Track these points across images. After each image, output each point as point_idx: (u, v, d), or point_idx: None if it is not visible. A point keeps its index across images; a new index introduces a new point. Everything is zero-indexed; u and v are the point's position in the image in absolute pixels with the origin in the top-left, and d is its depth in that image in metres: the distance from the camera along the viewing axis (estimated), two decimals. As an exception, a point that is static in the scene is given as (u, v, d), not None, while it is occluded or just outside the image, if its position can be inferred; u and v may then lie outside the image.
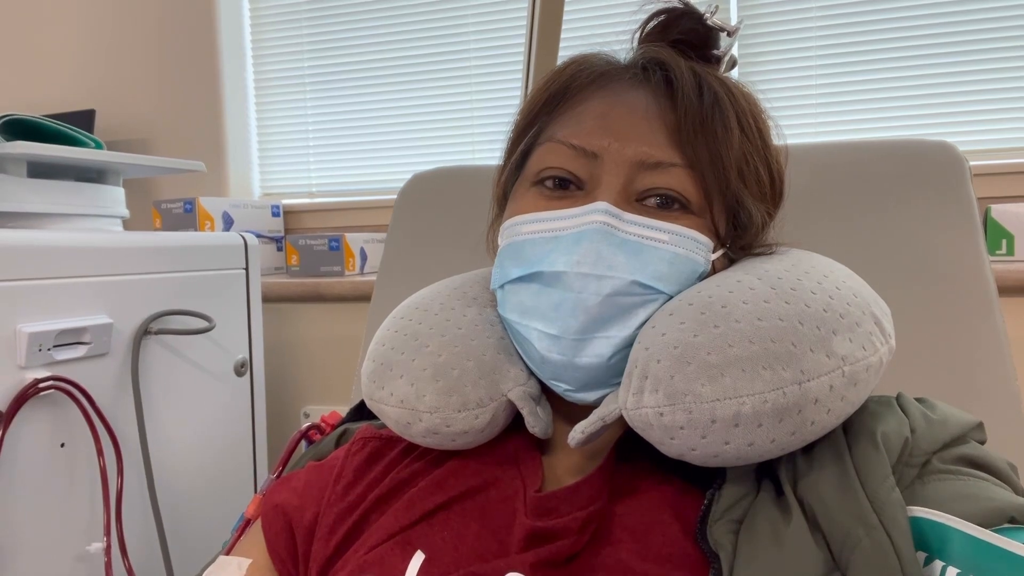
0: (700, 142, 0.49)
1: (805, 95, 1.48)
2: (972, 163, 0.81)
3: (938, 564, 0.38)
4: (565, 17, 1.01)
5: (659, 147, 0.50)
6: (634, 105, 0.51)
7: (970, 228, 0.78)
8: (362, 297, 1.43)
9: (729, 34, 0.55)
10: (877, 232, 0.80)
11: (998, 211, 1.21)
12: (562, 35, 1.01)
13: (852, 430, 0.46)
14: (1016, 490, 0.43)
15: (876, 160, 0.82)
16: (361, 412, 0.71)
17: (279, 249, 1.69)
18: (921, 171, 0.80)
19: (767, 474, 0.46)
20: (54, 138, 1.03)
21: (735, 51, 0.56)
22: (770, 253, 0.53)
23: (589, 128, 0.51)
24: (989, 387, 0.74)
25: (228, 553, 0.58)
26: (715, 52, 0.55)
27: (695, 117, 0.49)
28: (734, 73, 0.57)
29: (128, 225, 1.17)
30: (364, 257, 1.57)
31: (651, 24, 0.56)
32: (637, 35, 0.57)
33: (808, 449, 0.46)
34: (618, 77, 0.53)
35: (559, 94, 0.54)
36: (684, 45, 0.54)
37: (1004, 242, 1.21)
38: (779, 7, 1.48)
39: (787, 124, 1.47)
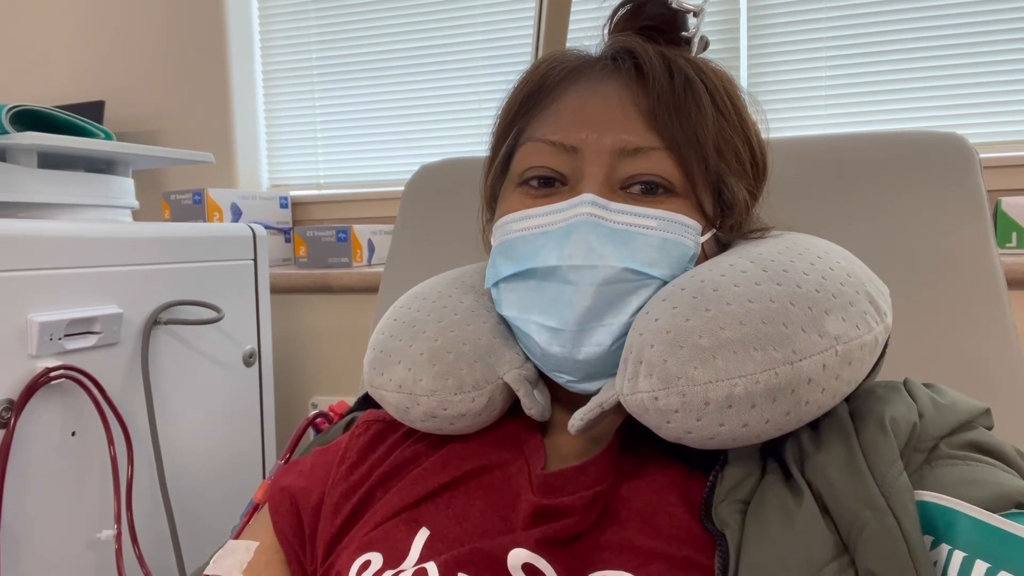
0: (676, 124, 0.50)
1: (814, 87, 1.48)
2: (982, 155, 0.81)
3: (944, 548, 0.38)
4: (572, 7, 1.01)
5: (636, 133, 0.50)
6: (607, 95, 0.52)
7: (980, 221, 0.77)
8: (370, 288, 1.44)
9: (695, 15, 0.55)
10: (886, 224, 0.79)
11: (1008, 204, 1.20)
12: (570, 25, 1.01)
13: (859, 414, 0.46)
14: (1023, 476, 0.42)
15: (886, 152, 0.82)
16: (368, 402, 0.72)
17: (287, 240, 1.70)
18: (931, 163, 0.80)
19: (773, 456, 0.47)
20: (64, 129, 1.03)
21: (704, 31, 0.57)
22: (764, 236, 0.54)
23: (566, 123, 0.52)
24: (997, 379, 0.74)
25: (236, 537, 0.58)
26: (684, 34, 0.56)
27: (668, 100, 0.50)
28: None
29: (137, 216, 1.17)
30: (372, 248, 1.57)
31: (619, 13, 0.57)
32: (607, 26, 0.58)
33: (814, 432, 0.46)
34: (590, 69, 0.54)
35: (534, 93, 0.54)
36: (653, 30, 0.55)
37: (1014, 235, 1.20)
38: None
39: (796, 116, 1.49)
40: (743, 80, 1.46)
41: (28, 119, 1.00)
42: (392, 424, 0.58)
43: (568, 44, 1.01)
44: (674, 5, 0.55)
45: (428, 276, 0.63)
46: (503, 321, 0.55)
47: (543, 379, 0.54)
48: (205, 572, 0.55)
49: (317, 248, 1.56)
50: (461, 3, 1.69)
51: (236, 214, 1.59)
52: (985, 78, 1.38)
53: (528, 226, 0.51)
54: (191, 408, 1.09)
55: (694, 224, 0.50)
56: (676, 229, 0.49)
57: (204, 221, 1.53)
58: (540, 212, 0.50)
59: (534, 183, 0.52)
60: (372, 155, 1.80)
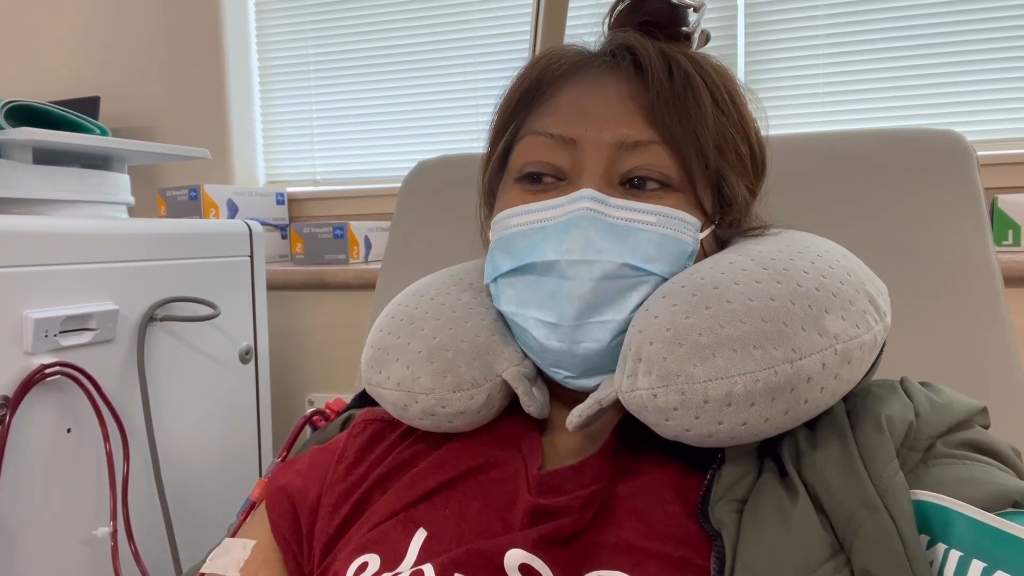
0: (675, 121, 0.49)
1: (812, 84, 1.48)
2: (979, 153, 0.81)
3: (941, 547, 0.38)
4: (570, 3, 1.00)
5: (636, 127, 0.50)
6: (607, 90, 0.51)
7: (977, 218, 0.77)
8: (366, 285, 1.43)
9: (695, 10, 0.55)
10: (883, 222, 0.79)
11: (1005, 201, 1.21)
12: (567, 20, 1.01)
13: (856, 413, 0.46)
14: (1020, 475, 0.42)
15: (883, 149, 0.82)
16: (365, 399, 0.71)
17: (283, 237, 1.69)
18: (928, 160, 0.80)
19: (770, 455, 0.47)
20: (59, 124, 1.03)
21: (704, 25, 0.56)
22: (764, 234, 0.54)
23: (565, 116, 0.51)
24: (994, 377, 0.74)
25: (233, 536, 0.58)
26: (684, 29, 0.56)
27: (667, 97, 0.50)
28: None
29: (133, 212, 1.17)
30: (368, 245, 1.57)
31: (618, 8, 0.57)
32: (606, 21, 0.57)
33: (811, 431, 0.46)
34: (589, 65, 0.53)
35: (532, 88, 0.54)
36: (652, 26, 0.55)
37: (1010, 232, 1.20)
38: (786, -5, 1.47)
39: (794, 113, 1.49)
40: (740, 77, 1.46)
41: (23, 115, 1.00)
42: (390, 423, 0.58)
43: (566, 40, 1.00)
44: (674, 0, 0.54)
45: (425, 273, 0.63)
46: (501, 318, 0.54)
47: (542, 377, 0.54)
48: (202, 570, 0.55)
49: (314, 245, 1.55)
50: (458, -1, 1.69)
51: (232, 210, 1.59)
52: (983, 75, 1.38)
53: (526, 221, 0.50)
54: (187, 405, 1.08)
55: (693, 221, 0.50)
56: (675, 225, 0.49)
57: (200, 217, 1.52)
58: (539, 207, 0.50)
59: (533, 178, 0.52)
60: (369, 151, 1.80)
